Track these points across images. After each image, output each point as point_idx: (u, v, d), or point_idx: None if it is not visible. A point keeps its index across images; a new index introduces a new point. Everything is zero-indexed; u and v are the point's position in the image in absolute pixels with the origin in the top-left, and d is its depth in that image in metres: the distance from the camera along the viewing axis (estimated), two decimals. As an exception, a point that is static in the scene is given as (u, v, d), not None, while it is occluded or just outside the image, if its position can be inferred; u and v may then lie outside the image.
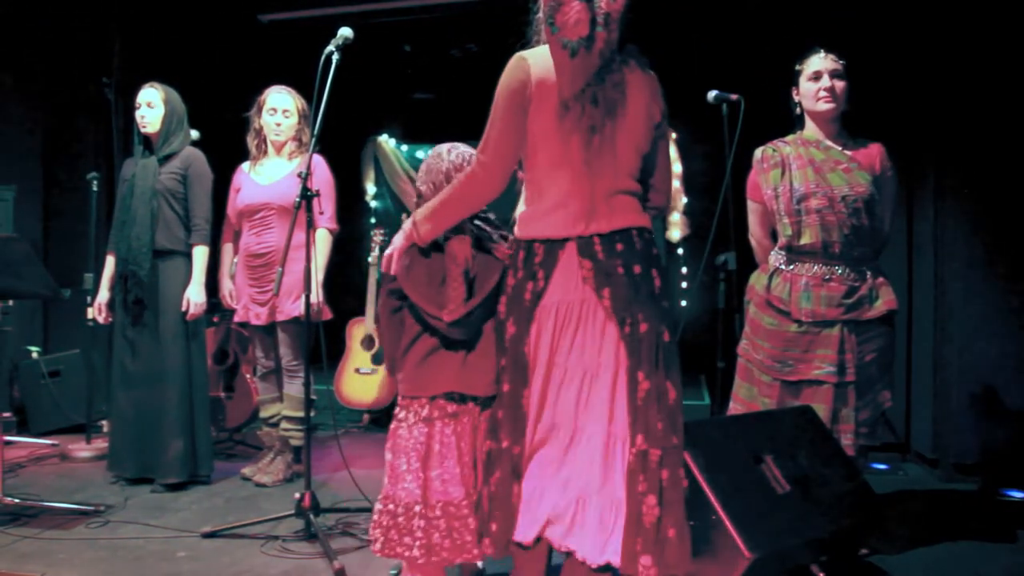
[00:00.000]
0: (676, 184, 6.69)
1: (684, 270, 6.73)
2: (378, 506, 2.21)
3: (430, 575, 2.22)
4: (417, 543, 2.13)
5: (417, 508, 2.13)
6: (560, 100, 2.03)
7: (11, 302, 4.43)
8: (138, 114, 3.66)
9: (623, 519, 1.96)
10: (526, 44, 2.22)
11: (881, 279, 2.73)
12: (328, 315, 3.72)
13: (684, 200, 6.67)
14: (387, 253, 2.25)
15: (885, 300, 2.70)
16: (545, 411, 2.06)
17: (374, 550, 2.20)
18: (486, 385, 2.17)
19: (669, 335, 2.07)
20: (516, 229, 2.18)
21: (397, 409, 2.24)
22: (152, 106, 3.64)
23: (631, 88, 2.09)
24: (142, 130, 3.67)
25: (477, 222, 2.27)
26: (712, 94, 3.23)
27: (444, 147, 2.36)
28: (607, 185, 2.07)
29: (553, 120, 2.05)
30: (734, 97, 3.19)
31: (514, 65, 2.10)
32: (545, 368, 2.05)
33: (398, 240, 2.24)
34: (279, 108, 3.70)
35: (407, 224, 2.22)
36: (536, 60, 2.08)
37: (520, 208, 2.23)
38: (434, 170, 2.30)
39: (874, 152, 2.76)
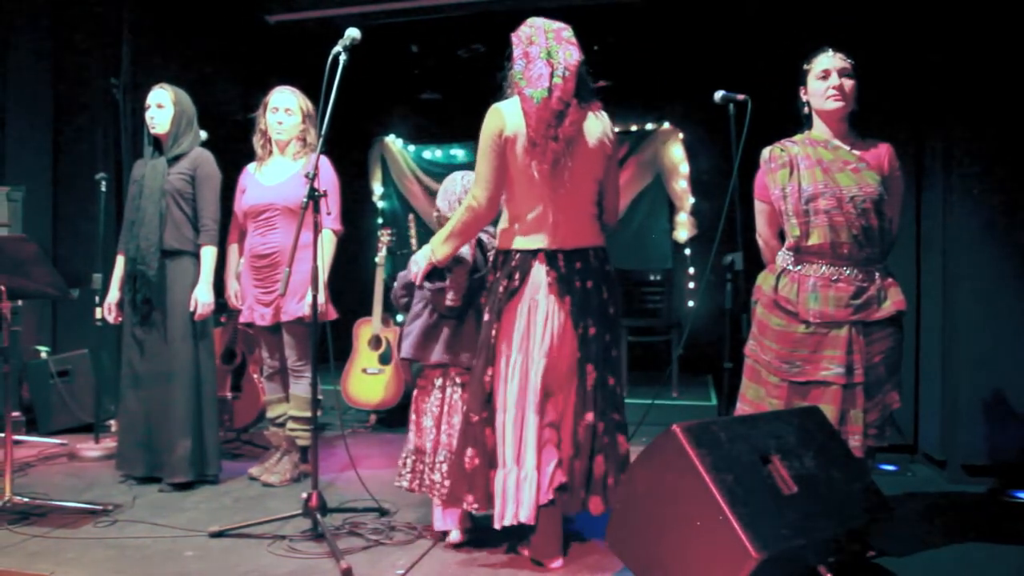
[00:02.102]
0: (683, 184, 6.69)
1: (691, 270, 6.72)
2: (408, 458, 2.92)
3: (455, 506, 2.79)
4: (438, 483, 2.80)
5: (437, 454, 2.82)
6: (528, 139, 2.55)
7: (20, 302, 4.46)
8: (148, 115, 3.67)
9: (576, 476, 2.64)
10: (500, 95, 2.71)
11: (890, 280, 2.72)
12: (333, 315, 3.73)
13: (691, 200, 6.66)
14: (415, 272, 2.83)
15: (894, 301, 2.69)
16: (509, 387, 2.62)
17: (407, 487, 2.92)
18: (467, 359, 2.84)
19: (611, 337, 2.71)
20: (498, 241, 2.76)
21: (420, 379, 2.94)
22: (162, 107, 3.65)
23: (587, 125, 2.63)
24: (151, 131, 3.68)
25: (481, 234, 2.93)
26: (719, 94, 3.22)
27: (456, 174, 3.01)
28: (569, 209, 2.64)
29: (525, 157, 2.58)
30: (741, 97, 3.18)
31: (491, 115, 2.65)
32: (510, 352, 2.63)
33: (422, 262, 2.79)
34: (281, 107, 3.70)
35: (427, 250, 2.78)
36: (508, 109, 2.62)
37: (502, 224, 2.75)
38: (450, 191, 2.97)
39: (883, 152, 2.75)
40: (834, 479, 2.35)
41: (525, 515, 2.57)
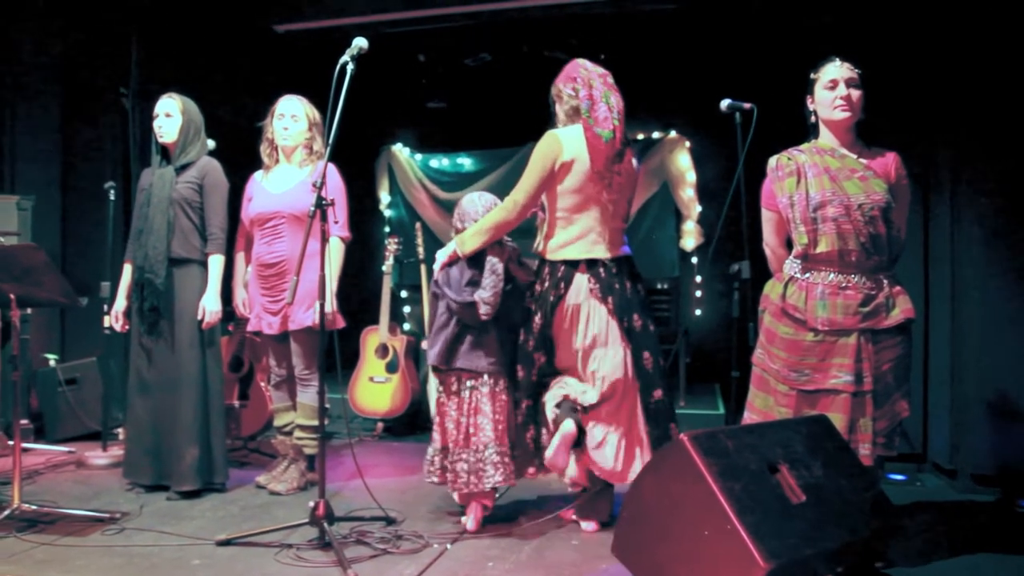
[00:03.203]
0: (690, 193, 6.70)
1: (698, 279, 6.72)
2: (436, 456, 3.18)
3: (473, 499, 3.15)
4: (460, 475, 3.09)
5: (459, 452, 3.11)
6: (594, 170, 3.04)
7: (30, 310, 4.48)
8: (156, 124, 3.69)
9: (637, 447, 3.06)
10: (550, 120, 3.24)
11: (898, 287, 2.72)
12: (341, 323, 3.73)
13: (698, 209, 6.66)
14: (435, 267, 3.21)
15: (902, 309, 2.68)
16: (562, 376, 3.12)
17: (434, 482, 3.19)
18: (488, 365, 3.13)
19: (653, 326, 3.17)
20: (544, 253, 3.16)
21: (444, 384, 3.20)
22: (170, 116, 3.67)
23: (629, 159, 3.15)
24: (159, 140, 3.70)
25: (512, 243, 3.23)
26: (725, 103, 3.22)
27: (474, 195, 3.28)
28: (610, 224, 3.12)
29: (582, 180, 3.05)
30: (747, 106, 3.19)
31: (550, 141, 3.09)
32: (561, 347, 3.11)
33: (443, 256, 3.17)
34: (287, 113, 3.72)
35: (453, 244, 3.14)
36: (567, 137, 3.09)
37: (545, 238, 3.17)
38: (470, 212, 3.21)
39: (889, 160, 2.75)
40: (843, 488, 2.34)
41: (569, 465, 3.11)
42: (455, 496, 3.23)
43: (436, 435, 3.22)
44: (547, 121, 3.27)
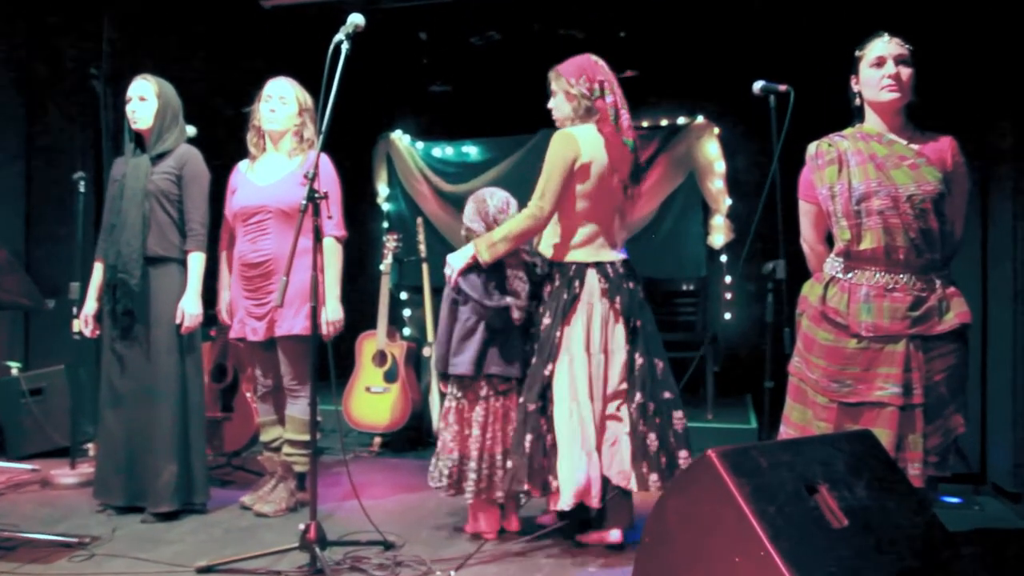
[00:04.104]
0: (719, 184, 6.68)
1: (728, 279, 6.70)
2: (448, 463, 3.34)
3: (483, 508, 3.37)
4: (471, 484, 3.29)
5: (470, 462, 3.30)
6: (619, 178, 3.33)
7: (-9, 313, 4.50)
8: (129, 108, 3.70)
9: (631, 451, 3.22)
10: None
11: (952, 289, 2.70)
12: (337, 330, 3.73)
13: (727, 202, 6.65)
14: (449, 274, 3.36)
15: (957, 313, 2.66)
16: (574, 381, 3.23)
17: (446, 495, 3.36)
18: (518, 371, 3.36)
19: (652, 327, 3.37)
20: (552, 254, 3.36)
21: (468, 391, 3.36)
22: (144, 100, 3.68)
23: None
24: (133, 126, 3.71)
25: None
26: (759, 85, 3.22)
27: (485, 192, 3.48)
28: (619, 229, 3.43)
29: (597, 183, 3.27)
30: (783, 88, 3.18)
31: (566, 140, 3.25)
32: (572, 350, 3.24)
33: (458, 263, 3.31)
34: (274, 95, 3.72)
35: (470, 249, 3.30)
36: (583, 138, 3.26)
37: (555, 239, 3.36)
38: (483, 212, 3.42)
39: (944, 146, 2.73)
40: (889, 512, 2.33)
41: (588, 496, 3.17)
42: (468, 501, 3.36)
43: (451, 444, 3.35)
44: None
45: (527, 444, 3.22)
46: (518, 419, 3.29)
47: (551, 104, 3.42)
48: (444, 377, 3.44)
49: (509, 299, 3.32)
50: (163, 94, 3.71)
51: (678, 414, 3.29)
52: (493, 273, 3.33)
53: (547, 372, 3.25)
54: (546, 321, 3.31)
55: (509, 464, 3.26)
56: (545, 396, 3.26)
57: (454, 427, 3.35)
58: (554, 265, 3.36)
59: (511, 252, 3.31)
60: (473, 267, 3.30)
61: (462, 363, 3.32)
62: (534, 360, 3.31)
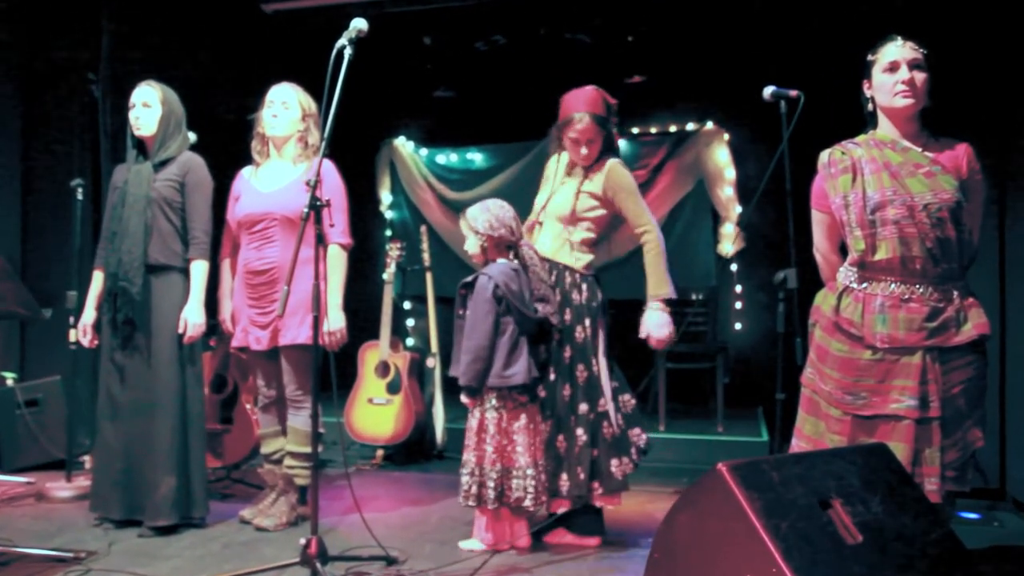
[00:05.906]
0: (729, 192, 6.68)
1: (739, 288, 6.70)
2: (471, 475, 3.37)
3: (501, 517, 3.40)
4: (491, 494, 3.32)
5: (490, 471, 3.33)
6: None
7: (-14, 323, 4.51)
8: (132, 115, 3.71)
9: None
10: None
11: (970, 299, 2.69)
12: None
13: (738, 209, 6.64)
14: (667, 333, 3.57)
15: (975, 324, 2.65)
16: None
17: (469, 505, 3.39)
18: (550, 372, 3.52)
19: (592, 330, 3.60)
20: (583, 266, 3.59)
21: (508, 401, 3.40)
22: (148, 106, 3.69)
23: None
24: (136, 132, 3.72)
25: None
26: (769, 90, 3.22)
27: (494, 203, 3.51)
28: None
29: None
30: (793, 94, 3.19)
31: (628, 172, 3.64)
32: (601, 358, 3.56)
33: (665, 328, 3.55)
34: (277, 100, 3.73)
35: (659, 306, 3.56)
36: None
37: (590, 255, 3.63)
38: (505, 218, 3.46)
39: (960, 153, 2.72)
40: (905, 528, 2.32)
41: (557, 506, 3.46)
42: (537, 510, 3.42)
43: (493, 455, 3.36)
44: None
45: (587, 452, 3.45)
46: (576, 427, 3.45)
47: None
48: (472, 392, 3.39)
49: (548, 307, 3.45)
50: (167, 101, 3.73)
51: (604, 423, 3.51)
52: (527, 283, 3.46)
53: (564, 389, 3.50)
54: (578, 333, 3.53)
55: (564, 475, 3.44)
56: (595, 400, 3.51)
57: (492, 437, 3.36)
58: (585, 278, 3.59)
59: (542, 258, 3.55)
60: (515, 277, 3.42)
61: (519, 373, 3.35)
62: (580, 368, 3.50)
